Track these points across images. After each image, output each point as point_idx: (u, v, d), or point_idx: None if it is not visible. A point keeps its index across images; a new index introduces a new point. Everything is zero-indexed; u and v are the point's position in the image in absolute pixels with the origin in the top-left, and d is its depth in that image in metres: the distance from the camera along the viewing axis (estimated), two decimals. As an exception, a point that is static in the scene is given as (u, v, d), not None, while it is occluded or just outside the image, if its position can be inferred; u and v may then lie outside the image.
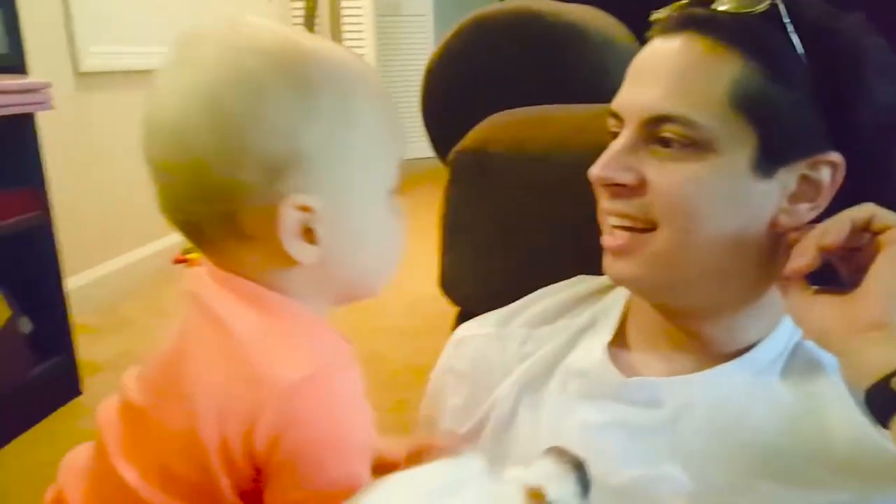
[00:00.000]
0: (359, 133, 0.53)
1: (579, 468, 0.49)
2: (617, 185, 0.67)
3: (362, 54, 4.01)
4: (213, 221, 0.53)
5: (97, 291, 2.50)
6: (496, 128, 0.99)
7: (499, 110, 1.05)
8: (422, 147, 4.64)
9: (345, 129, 0.52)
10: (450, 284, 1.07)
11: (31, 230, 1.73)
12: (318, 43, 0.54)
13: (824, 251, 0.59)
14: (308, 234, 0.52)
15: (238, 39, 0.51)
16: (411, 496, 0.43)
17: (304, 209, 0.51)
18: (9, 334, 1.71)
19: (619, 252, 0.69)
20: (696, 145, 0.63)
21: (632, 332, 0.78)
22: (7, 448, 1.67)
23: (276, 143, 0.49)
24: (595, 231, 0.80)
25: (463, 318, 1.02)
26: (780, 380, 0.68)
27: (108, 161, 2.66)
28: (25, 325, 1.83)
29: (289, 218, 0.50)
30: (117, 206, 2.71)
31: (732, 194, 0.64)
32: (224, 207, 0.51)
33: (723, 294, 0.69)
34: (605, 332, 0.77)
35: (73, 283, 2.00)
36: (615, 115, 0.70)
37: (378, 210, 0.56)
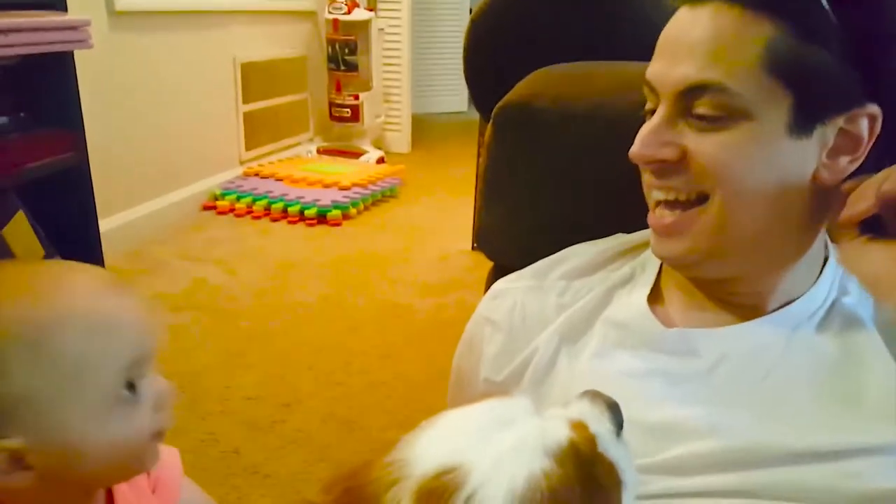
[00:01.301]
0: (55, 374, 0.54)
1: (613, 408, 0.51)
2: (658, 161, 0.68)
3: (398, 9, 3.97)
4: None
5: (127, 235, 2.52)
6: (542, 83, 0.97)
7: (543, 66, 1.03)
8: (453, 101, 4.61)
9: (34, 378, 0.53)
10: (486, 239, 1.06)
11: (67, 171, 1.74)
12: (10, 297, 0.54)
13: (883, 198, 0.59)
14: (20, 464, 0.54)
15: None
16: (466, 430, 0.45)
17: (6, 450, 0.53)
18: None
19: (669, 232, 0.70)
20: (732, 113, 0.64)
21: (669, 287, 0.79)
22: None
23: None
24: (635, 190, 0.80)
25: (497, 273, 1.02)
26: (816, 333, 0.70)
27: (141, 104, 2.66)
28: (60, 265, 1.85)
29: None
30: (148, 151, 2.73)
31: (772, 156, 0.65)
32: None
33: (767, 258, 0.70)
34: (644, 286, 0.79)
35: (104, 226, 2.01)
36: (650, 87, 0.70)
37: (98, 420, 0.56)
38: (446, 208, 3.27)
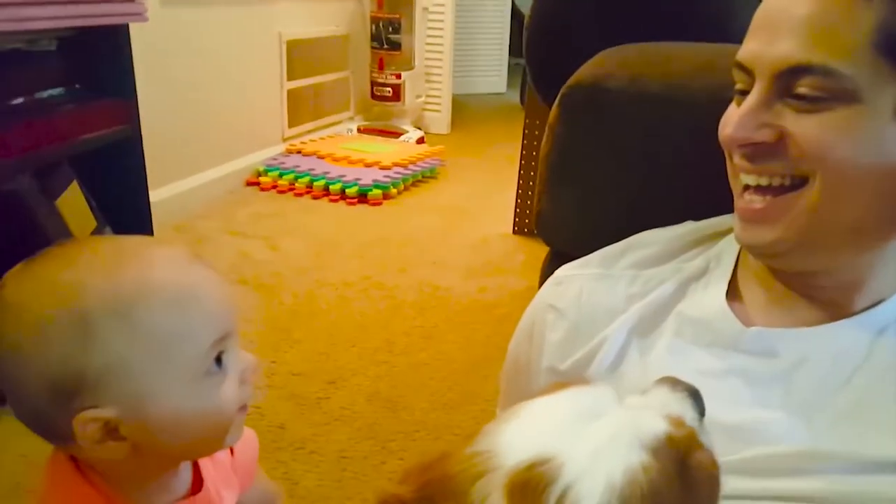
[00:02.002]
0: (147, 345, 0.54)
1: (695, 396, 0.50)
2: (754, 144, 0.65)
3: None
4: (41, 431, 0.58)
5: (173, 208, 2.54)
6: (613, 63, 0.94)
7: (610, 46, 1.00)
8: (493, 82, 4.56)
9: (126, 349, 0.54)
10: (547, 225, 1.04)
11: (120, 142, 1.75)
12: (100, 270, 0.55)
13: None
14: (114, 434, 0.55)
15: (41, 280, 0.55)
16: (554, 421, 0.44)
17: (98, 420, 0.54)
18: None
19: (759, 218, 0.68)
20: (836, 95, 0.61)
21: (747, 283, 0.76)
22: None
23: (58, 374, 0.53)
24: (711, 176, 0.77)
25: (555, 260, 1.00)
26: None
27: (188, 79, 2.68)
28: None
29: (86, 430, 0.54)
30: (194, 125, 2.74)
31: (877, 140, 0.62)
32: (40, 421, 0.56)
33: (859, 250, 0.68)
34: (721, 281, 0.76)
35: (152, 198, 2.03)
36: (742, 68, 0.67)
37: (187, 393, 0.57)
38: (486, 191, 3.25)
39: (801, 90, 0.62)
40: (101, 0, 1.57)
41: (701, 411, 0.49)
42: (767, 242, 0.68)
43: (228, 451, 0.70)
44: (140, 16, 1.65)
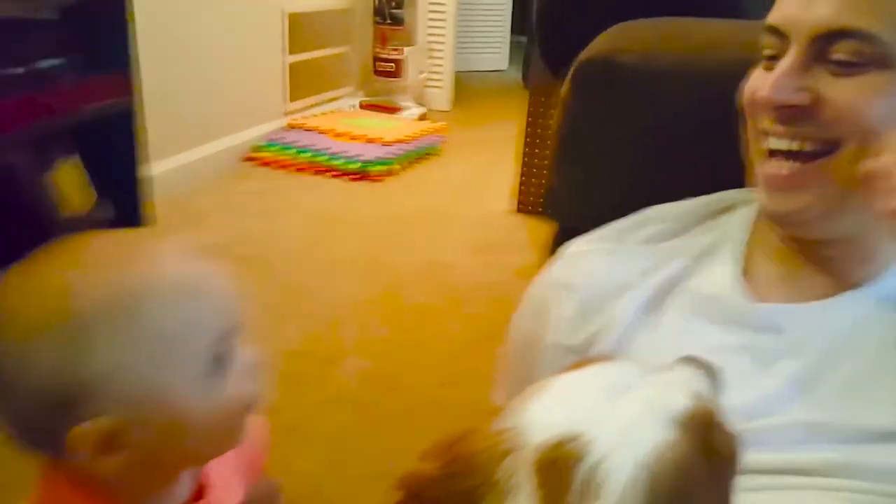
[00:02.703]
0: (147, 347, 0.51)
1: (714, 374, 0.49)
2: (789, 107, 0.64)
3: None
4: (38, 446, 0.54)
5: (170, 183, 2.51)
6: (627, 37, 0.92)
7: (621, 21, 0.99)
8: (494, 59, 4.52)
9: (125, 352, 0.50)
10: (558, 201, 1.03)
11: (119, 115, 1.72)
12: (95, 271, 0.52)
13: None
14: (116, 444, 0.51)
15: (33, 283, 0.52)
16: (579, 397, 0.44)
17: (97, 430, 0.50)
18: (91, 219, 1.74)
19: (787, 186, 0.67)
20: (873, 60, 0.61)
21: (757, 258, 0.76)
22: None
23: (53, 384, 0.50)
24: (724, 152, 0.76)
25: (564, 236, 0.99)
26: None
27: (189, 52, 2.64)
28: (107, 210, 1.85)
29: (87, 441, 0.50)
30: (195, 99, 2.71)
31: None
32: (33, 437, 0.53)
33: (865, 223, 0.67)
34: (732, 257, 0.76)
35: (150, 172, 2.01)
36: (775, 32, 0.66)
37: (193, 393, 0.53)
38: (488, 168, 3.23)
39: (838, 55, 0.62)
40: (101, -31, 1.55)
41: (719, 388, 0.49)
42: (796, 210, 0.67)
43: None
44: (140, -15, 1.63)
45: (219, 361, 0.55)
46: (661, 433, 0.41)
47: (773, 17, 0.67)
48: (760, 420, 0.64)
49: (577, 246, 0.85)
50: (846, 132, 0.63)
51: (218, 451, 0.60)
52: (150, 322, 0.51)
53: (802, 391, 0.65)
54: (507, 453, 0.41)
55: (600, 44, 0.92)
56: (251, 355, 0.58)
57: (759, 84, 0.67)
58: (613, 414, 0.42)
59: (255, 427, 0.65)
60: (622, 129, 0.92)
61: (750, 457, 0.62)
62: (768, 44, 0.68)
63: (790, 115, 0.65)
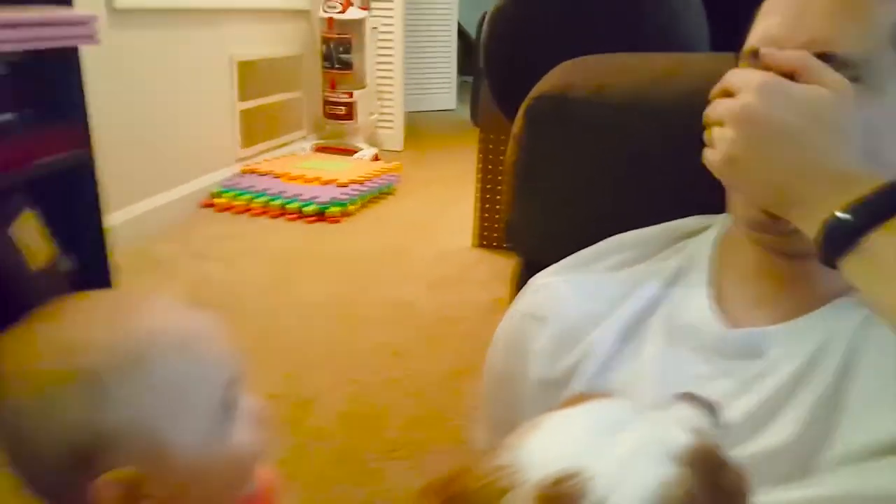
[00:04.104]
0: (160, 395, 0.53)
1: (714, 411, 0.48)
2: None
3: (390, 7, 3.95)
4: (48, 497, 0.55)
5: (128, 232, 2.49)
6: (576, 74, 0.96)
7: (568, 59, 1.03)
8: (443, 99, 4.62)
9: (140, 403, 0.52)
10: (517, 234, 1.05)
11: (74, 167, 1.71)
12: (101, 325, 0.54)
13: None
14: (136, 494, 0.53)
15: (41, 343, 0.53)
16: (576, 433, 0.43)
17: (120, 479, 0.52)
18: (53, 272, 1.71)
19: None
20: (855, 80, 0.61)
21: (729, 281, 0.76)
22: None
23: (75, 437, 0.51)
24: (678, 181, 0.79)
25: (527, 270, 1.01)
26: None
27: (139, 102, 2.64)
28: (66, 263, 1.83)
29: (107, 494, 0.52)
30: (147, 148, 2.70)
31: (893, 128, 0.63)
32: (53, 493, 0.54)
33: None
34: (701, 283, 0.76)
35: (109, 221, 1.99)
36: (756, 57, 0.66)
37: (206, 441, 0.56)
38: (444, 205, 3.27)
39: None
40: (52, 23, 1.54)
41: (719, 426, 0.48)
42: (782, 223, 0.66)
43: None
44: (91, 38, 1.62)
45: (226, 409, 0.56)
46: (665, 469, 0.39)
47: (757, 40, 0.67)
48: (744, 447, 0.63)
49: (544, 277, 0.85)
50: None
51: (230, 499, 0.61)
52: (159, 373, 0.53)
53: (781, 410, 0.65)
54: (505, 491, 0.40)
55: (549, 80, 0.96)
56: (254, 404, 0.60)
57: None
58: (614, 450, 0.40)
59: (264, 476, 0.66)
60: (577, 162, 0.94)
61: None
62: (751, 64, 0.67)
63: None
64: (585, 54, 1.02)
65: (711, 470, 0.41)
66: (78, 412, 0.51)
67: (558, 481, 0.39)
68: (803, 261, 0.69)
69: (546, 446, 0.42)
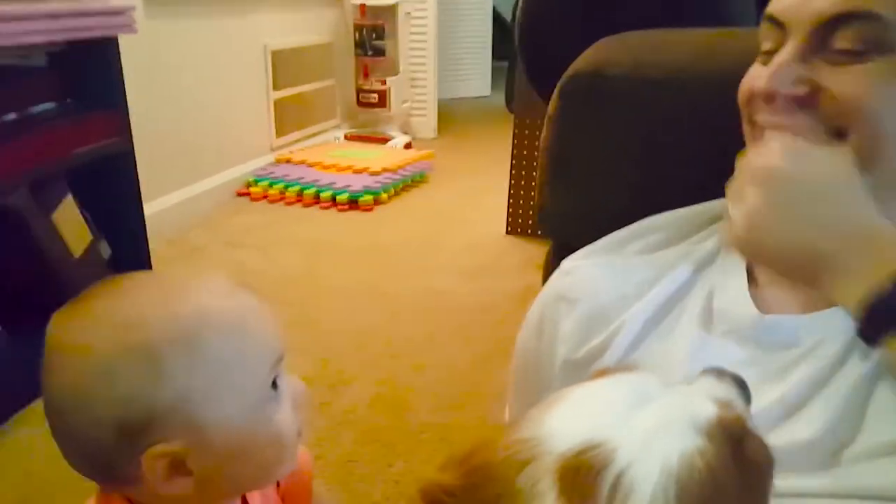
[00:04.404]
0: (211, 373, 0.54)
1: (742, 385, 0.48)
2: (785, 97, 0.63)
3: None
4: (100, 475, 0.57)
5: (164, 221, 2.53)
6: (613, 50, 0.95)
7: (604, 37, 1.01)
8: (477, 85, 4.59)
9: (193, 379, 0.53)
10: (549, 217, 1.04)
11: (113, 156, 1.74)
12: (156, 303, 0.55)
13: None
14: (180, 468, 0.54)
15: (97, 319, 0.54)
16: (600, 406, 0.42)
17: (168, 454, 0.53)
18: (91, 258, 1.75)
19: None
20: (878, 46, 0.59)
21: (759, 267, 0.74)
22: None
23: (128, 411, 0.52)
24: (717, 161, 0.77)
25: (559, 252, 1.00)
26: None
27: (175, 92, 2.67)
28: (105, 250, 1.86)
29: (154, 467, 0.53)
30: (183, 138, 2.73)
31: None
32: (101, 464, 0.55)
33: (884, 211, 0.64)
34: (738, 267, 0.74)
35: (146, 210, 2.02)
36: (774, 21, 0.65)
37: (251, 420, 0.56)
38: (476, 193, 3.26)
39: (841, 44, 0.61)
40: (90, 13, 1.57)
41: (748, 400, 0.48)
42: None
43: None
44: (129, 27, 1.65)
45: (270, 389, 0.57)
46: (689, 440, 0.39)
47: (774, 6, 0.66)
48: (772, 437, 0.63)
49: (575, 260, 0.84)
50: (848, 122, 0.62)
51: (271, 478, 0.62)
52: (211, 351, 0.54)
53: (812, 401, 0.63)
54: (527, 462, 0.40)
55: (587, 58, 0.94)
56: (295, 384, 0.60)
57: (756, 76, 0.67)
58: (637, 422, 0.40)
59: (302, 456, 0.67)
60: (612, 141, 0.93)
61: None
62: (768, 36, 0.66)
63: (788, 105, 0.64)
64: (623, 32, 1.00)
65: (735, 442, 0.40)
66: (132, 387, 0.51)
67: (581, 452, 0.39)
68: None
69: (569, 419, 0.42)
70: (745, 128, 0.71)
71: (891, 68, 0.59)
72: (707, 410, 0.41)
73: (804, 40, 0.63)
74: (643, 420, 0.40)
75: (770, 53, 0.66)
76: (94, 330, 0.53)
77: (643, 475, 0.37)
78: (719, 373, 0.48)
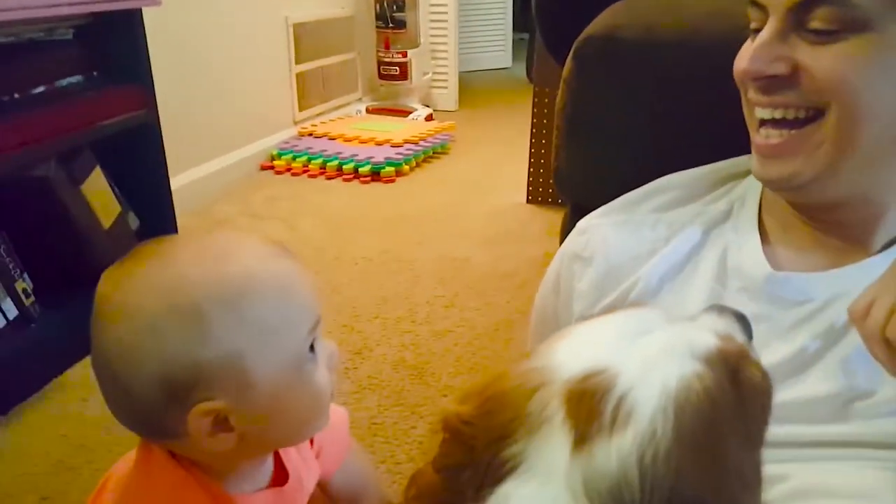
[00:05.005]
0: (255, 334, 0.55)
1: (742, 320, 0.50)
2: (768, 77, 0.66)
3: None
4: (145, 429, 0.59)
5: (190, 194, 2.57)
6: (626, 13, 0.96)
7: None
8: (497, 58, 4.55)
9: (238, 339, 0.54)
10: (566, 178, 1.06)
11: (139, 128, 1.77)
12: (202, 264, 0.56)
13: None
14: (223, 425, 0.55)
15: (147, 278, 0.55)
16: (606, 337, 0.45)
17: (212, 411, 0.54)
18: (119, 230, 1.79)
19: (777, 153, 0.68)
20: (849, 25, 0.61)
21: (772, 227, 0.77)
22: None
23: (175, 369, 0.53)
24: (728, 121, 0.79)
25: (575, 214, 1.02)
26: None
27: (198, 66, 2.70)
28: (133, 221, 1.90)
29: (199, 423, 0.54)
30: (206, 112, 2.76)
31: (891, 67, 0.62)
32: (146, 419, 0.57)
33: (878, 180, 0.68)
34: (751, 225, 0.77)
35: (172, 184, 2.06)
36: (756, 5, 0.68)
37: (290, 380, 0.57)
38: (497, 163, 3.26)
39: (815, 24, 0.63)
40: (114, -14, 1.60)
41: (749, 334, 0.50)
42: (786, 176, 0.69)
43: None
44: (153, 0, 1.68)
45: (309, 352, 0.59)
46: (687, 365, 0.41)
47: None
48: (784, 391, 0.64)
49: (590, 219, 0.87)
50: (828, 99, 0.64)
51: (306, 435, 0.65)
52: (257, 310, 0.55)
53: (824, 358, 0.66)
54: (536, 389, 0.43)
55: (599, 22, 0.96)
56: (329, 347, 0.63)
57: (742, 56, 0.69)
58: (639, 350, 0.43)
59: (338, 415, 0.70)
60: (625, 103, 0.95)
61: (786, 429, 0.61)
62: (753, 17, 0.69)
63: (771, 84, 0.66)
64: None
65: (734, 368, 0.43)
66: (179, 346, 0.53)
67: (585, 378, 0.42)
68: (831, 210, 0.71)
69: (575, 349, 0.45)
70: (743, 101, 0.73)
71: (866, 45, 0.61)
72: (706, 340, 0.44)
73: (782, 19, 0.65)
74: (644, 348, 0.43)
75: (757, 31, 0.68)
76: (143, 289, 0.55)
77: (644, 398, 0.40)
78: (721, 308, 0.51)
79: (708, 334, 0.45)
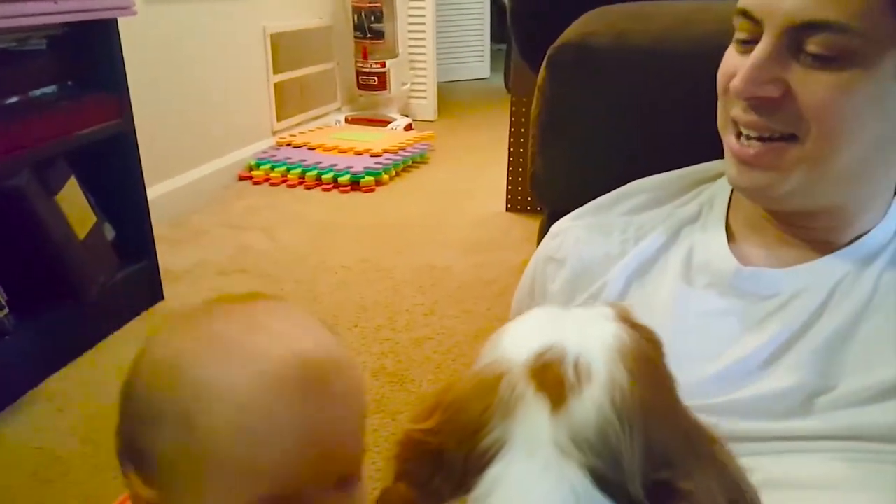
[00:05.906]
0: (194, 454, 0.48)
1: (627, 309, 0.54)
2: (758, 97, 0.65)
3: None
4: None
5: (167, 204, 2.56)
6: (598, 21, 0.97)
7: (589, 10, 1.03)
8: (476, 68, 4.58)
9: (178, 446, 0.49)
10: (542, 184, 1.07)
11: (114, 138, 1.76)
12: (176, 364, 0.51)
13: None
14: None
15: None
16: (538, 324, 0.50)
17: (142, 492, 0.52)
18: (95, 241, 1.77)
19: (754, 163, 0.68)
20: (847, 55, 0.61)
21: (738, 225, 0.78)
22: (99, 346, 1.75)
23: (132, 440, 0.52)
24: (699, 125, 0.80)
25: (552, 220, 1.03)
26: (888, 266, 0.69)
27: (175, 76, 2.69)
28: (109, 232, 1.89)
29: (131, 485, 0.53)
30: (184, 122, 2.75)
31: (881, 100, 0.63)
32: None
33: (849, 195, 0.69)
34: (719, 224, 0.78)
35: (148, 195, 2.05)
36: (747, 16, 0.67)
37: None
38: (477, 172, 3.28)
39: (812, 48, 0.62)
40: (89, -5, 1.59)
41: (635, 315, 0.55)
42: (761, 186, 0.69)
43: None
44: (128, 10, 1.67)
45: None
46: (613, 327, 0.48)
47: (746, 1, 0.67)
48: (752, 385, 0.66)
49: (562, 223, 0.88)
50: (809, 126, 0.64)
51: None
52: (204, 433, 0.49)
53: (796, 351, 0.67)
54: (499, 378, 0.46)
55: (572, 30, 0.97)
56: None
57: (733, 68, 0.68)
58: (570, 325, 0.49)
59: None
60: (599, 109, 0.96)
61: (736, 424, 0.63)
62: (743, 27, 0.68)
63: (758, 105, 0.66)
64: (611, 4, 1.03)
65: (636, 324, 0.50)
66: (135, 428, 0.53)
67: (540, 354, 0.46)
68: (801, 217, 0.72)
69: (517, 338, 0.49)
70: (720, 110, 0.73)
71: (860, 77, 0.61)
72: (608, 311, 0.51)
73: (779, 38, 0.64)
74: (573, 323, 0.49)
75: (746, 42, 0.68)
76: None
77: (594, 355, 0.46)
78: (613, 305, 0.56)
79: (605, 309, 0.51)
